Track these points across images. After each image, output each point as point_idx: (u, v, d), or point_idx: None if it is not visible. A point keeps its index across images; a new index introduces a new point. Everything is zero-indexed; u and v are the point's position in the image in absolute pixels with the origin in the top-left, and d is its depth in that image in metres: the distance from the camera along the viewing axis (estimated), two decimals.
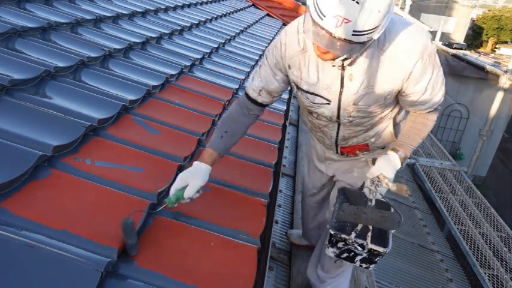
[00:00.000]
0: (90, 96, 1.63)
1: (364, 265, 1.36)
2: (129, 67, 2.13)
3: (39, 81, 1.57)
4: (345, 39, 1.07)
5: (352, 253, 1.34)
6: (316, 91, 1.35)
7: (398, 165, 1.36)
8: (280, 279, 2.10)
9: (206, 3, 5.00)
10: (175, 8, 3.95)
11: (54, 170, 1.18)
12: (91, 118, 1.45)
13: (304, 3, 8.01)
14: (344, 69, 1.27)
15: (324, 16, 1.06)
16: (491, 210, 4.31)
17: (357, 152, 1.56)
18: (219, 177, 1.53)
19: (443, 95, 1.38)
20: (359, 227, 1.32)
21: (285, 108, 2.56)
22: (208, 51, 3.03)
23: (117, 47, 2.25)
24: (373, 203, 1.36)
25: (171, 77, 2.23)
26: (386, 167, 1.35)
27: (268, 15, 6.55)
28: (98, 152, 1.36)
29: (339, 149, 1.60)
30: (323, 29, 1.08)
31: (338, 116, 1.41)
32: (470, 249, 3.63)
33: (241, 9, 5.95)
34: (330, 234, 1.33)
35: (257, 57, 3.57)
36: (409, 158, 5.30)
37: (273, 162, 1.80)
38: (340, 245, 1.34)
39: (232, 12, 5.32)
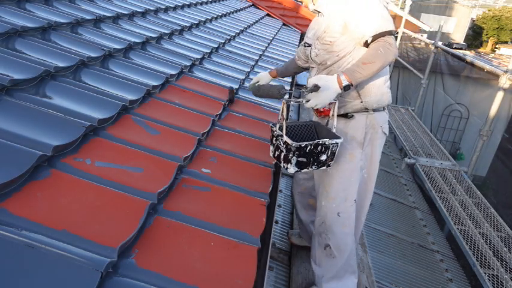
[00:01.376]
0: (90, 96, 1.63)
1: (284, 165, 1.53)
2: (129, 67, 2.13)
3: (39, 81, 1.57)
4: None
5: (279, 150, 1.56)
6: (307, 40, 1.85)
7: (335, 83, 1.55)
8: (280, 279, 2.10)
9: (206, 3, 5.00)
10: (175, 8, 3.95)
11: (54, 170, 1.18)
12: (91, 118, 1.45)
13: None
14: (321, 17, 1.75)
15: None
16: (491, 210, 4.31)
17: (328, 109, 1.78)
18: (219, 177, 1.53)
19: (385, 24, 1.57)
20: (284, 124, 1.55)
21: None
22: (208, 51, 3.03)
23: (117, 47, 2.25)
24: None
25: (171, 77, 2.23)
26: (322, 81, 1.56)
27: (268, 15, 6.55)
28: (98, 152, 1.36)
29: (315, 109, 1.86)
30: None
31: (311, 52, 1.80)
32: (470, 249, 3.62)
33: (241, 9, 5.95)
34: (270, 128, 1.64)
35: (257, 57, 3.57)
36: (409, 158, 5.30)
37: (273, 162, 1.80)
38: (273, 141, 1.61)
39: (232, 12, 5.32)
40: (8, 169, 1.06)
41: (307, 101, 1.57)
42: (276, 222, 2.52)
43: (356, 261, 1.94)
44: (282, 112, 1.55)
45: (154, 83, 2.03)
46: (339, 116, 1.73)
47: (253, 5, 6.77)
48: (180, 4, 4.14)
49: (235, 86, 2.55)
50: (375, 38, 1.57)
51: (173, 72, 2.30)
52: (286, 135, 1.53)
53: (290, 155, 1.49)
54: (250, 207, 1.42)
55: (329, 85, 1.54)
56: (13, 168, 1.07)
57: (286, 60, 3.94)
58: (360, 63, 1.57)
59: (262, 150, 1.89)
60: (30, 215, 1.00)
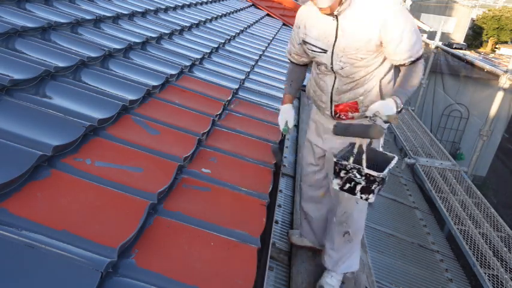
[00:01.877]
0: (90, 96, 1.63)
1: (363, 196, 1.51)
2: (129, 67, 2.13)
3: (39, 81, 1.57)
4: None
5: (353, 182, 1.52)
6: (316, 44, 1.72)
7: (393, 107, 1.55)
8: (280, 279, 2.10)
9: (206, 3, 5.00)
10: (175, 8, 3.95)
11: (54, 170, 1.18)
12: (91, 118, 1.45)
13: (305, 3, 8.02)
14: (338, 21, 1.62)
15: None
16: (491, 210, 4.30)
17: (348, 111, 1.79)
18: (219, 177, 1.53)
19: (421, 48, 1.63)
20: (355, 150, 1.52)
21: None
22: (208, 51, 3.03)
23: (117, 47, 2.25)
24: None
25: (171, 77, 2.23)
26: (382, 107, 1.55)
27: (268, 15, 6.55)
28: (98, 152, 1.36)
29: (333, 107, 1.81)
30: None
31: (332, 62, 1.71)
32: (470, 249, 3.62)
33: (241, 9, 5.95)
34: (335, 163, 1.54)
35: (257, 57, 3.57)
36: (409, 158, 5.30)
37: (273, 162, 1.80)
38: (342, 174, 1.53)
39: (232, 12, 5.32)
40: (8, 169, 1.06)
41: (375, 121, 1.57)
42: (276, 222, 2.52)
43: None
44: (360, 147, 1.52)
45: (154, 83, 2.03)
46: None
47: (253, 5, 6.77)
48: (180, 4, 4.14)
49: (235, 86, 2.55)
50: (414, 61, 1.64)
51: (173, 72, 2.30)
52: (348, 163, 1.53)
53: (374, 186, 1.49)
54: (250, 207, 1.42)
55: (390, 111, 1.57)
56: (13, 168, 1.07)
57: (286, 60, 3.94)
58: (407, 85, 1.65)
59: (262, 150, 1.89)
60: (30, 215, 1.00)
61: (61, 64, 1.75)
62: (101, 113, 1.53)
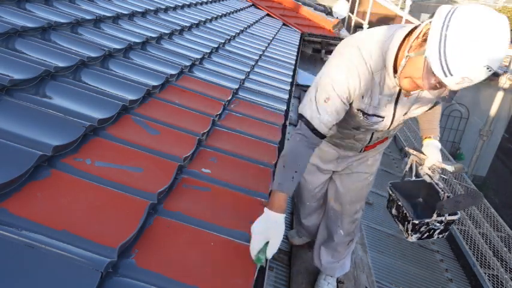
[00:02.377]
0: (90, 96, 1.63)
1: (440, 236, 1.62)
2: (129, 67, 2.13)
3: (39, 81, 1.57)
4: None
5: (432, 230, 1.59)
6: (377, 112, 1.42)
7: (440, 146, 1.61)
8: (280, 279, 2.10)
9: (206, 3, 5.00)
10: (175, 8, 3.95)
11: (54, 170, 1.18)
12: (91, 118, 1.45)
13: (305, 3, 8.01)
14: (397, 91, 1.39)
15: (451, 75, 1.10)
16: (491, 210, 4.30)
17: (377, 144, 1.77)
18: (219, 177, 1.53)
19: None
20: (435, 216, 1.54)
21: (285, 108, 2.56)
22: (208, 51, 3.03)
23: (117, 47, 2.25)
24: (440, 186, 1.65)
25: (171, 77, 2.23)
26: (438, 153, 1.57)
27: (268, 15, 6.54)
28: (98, 152, 1.36)
29: (363, 148, 1.77)
30: (442, 83, 1.14)
31: (389, 127, 1.53)
32: (470, 249, 3.62)
33: (241, 9, 5.95)
34: (414, 223, 1.55)
35: (257, 57, 3.57)
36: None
37: (273, 162, 1.80)
38: (422, 229, 1.58)
39: (232, 12, 5.31)
40: (8, 169, 1.06)
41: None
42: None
43: None
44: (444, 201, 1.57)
45: (154, 83, 2.03)
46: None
47: (253, 5, 6.77)
48: (180, 4, 4.14)
49: (235, 86, 2.55)
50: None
51: (173, 72, 2.30)
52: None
53: (451, 226, 1.62)
54: (250, 207, 1.42)
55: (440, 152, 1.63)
56: (13, 168, 1.07)
57: (286, 60, 3.94)
58: (437, 122, 1.69)
59: (262, 150, 1.89)
60: (30, 215, 1.00)
61: (61, 64, 1.75)
62: (101, 113, 1.53)
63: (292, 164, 1.32)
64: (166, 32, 2.98)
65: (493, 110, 4.91)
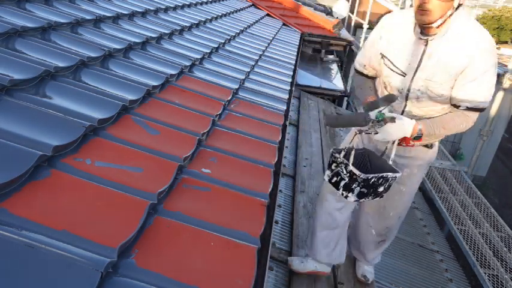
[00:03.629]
0: (90, 96, 1.63)
1: (344, 193, 1.55)
2: (129, 67, 2.13)
3: (39, 81, 1.57)
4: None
5: (339, 177, 1.55)
6: (396, 63, 1.58)
7: (409, 128, 1.51)
8: (280, 279, 2.10)
9: (206, 3, 5.00)
10: (175, 8, 3.95)
11: (54, 170, 1.18)
12: (91, 118, 1.45)
13: (305, 3, 8.01)
14: (427, 46, 1.49)
15: None
16: (491, 210, 4.30)
17: (410, 141, 1.69)
18: (219, 177, 1.53)
19: (486, 100, 1.51)
20: (350, 144, 1.57)
21: (285, 108, 2.56)
22: (208, 51, 3.03)
23: (117, 47, 2.25)
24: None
25: (171, 77, 2.23)
26: (398, 119, 1.51)
27: (268, 15, 6.54)
28: (98, 152, 1.36)
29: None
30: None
31: (408, 89, 1.60)
32: (470, 249, 3.62)
33: (241, 9, 5.95)
34: (330, 153, 1.60)
35: (257, 57, 3.57)
36: None
37: (273, 162, 1.80)
38: (333, 166, 1.58)
39: (232, 12, 5.32)
40: (8, 169, 1.06)
41: (376, 133, 1.53)
42: (276, 222, 2.52)
43: None
44: (352, 141, 1.55)
45: (155, 83, 2.03)
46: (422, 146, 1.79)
47: (253, 5, 6.77)
48: (180, 4, 4.14)
49: (235, 86, 2.55)
50: (468, 109, 1.54)
51: (173, 72, 2.30)
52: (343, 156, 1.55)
53: (354, 185, 1.50)
54: (250, 207, 1.42)
55: (404, 128, 1.50)
56: (13, 168, 1.07)
57: (286, 60, 3.94)
58: (441, 125, 1.56)
59: (262, 150, 1.89)
60: (30, 215, 1.00)
61: (61, 64, 1.75)
62: (101, 113, 1.53)
63: (361, 86, 1.79)
64: (166, 32, 2.98)
65: (493, 110, 4.91)
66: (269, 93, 2.74)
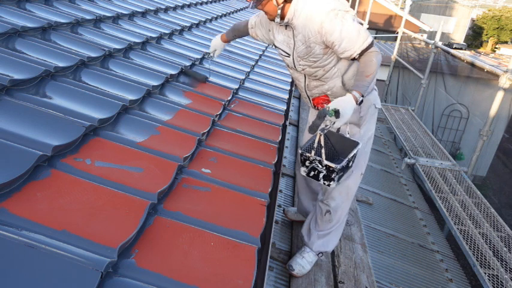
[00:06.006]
0: (90, 96, 1.63)
1: (326, 182, 1.65)
2: (129, 67, 2.13)
3: (39, 81, 1.57)
4: None
5: (316, 171, 1.65)
6: (282, 47, 1.90)
7: (351, 101, 1.64)
8: (280, 279, 2.10)
9: (206, 3, 5.00)
10: (175, 8, 3.95)
11: (54, 170, 1.18)
12: (91, 118, 1.45)
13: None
14: (292, 30, 1.79)
15: None
16: (491, 210, 4.30)
17: (322, 103, 1.96)
18: (219, 177, 1.53)
19: (365, 39, 1.72)
20: (315, 144, 1.63)
21: (285, 108, 2.56)
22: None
23: (117, 47, 2.25)
24: (335, 130, 1.78)
25: (171, 77, 2.23)
26: (341, 103, 1.63)
27: None
28: (98, 152, 1.36)
29: (311, 100, 2.02)
30: None
31: (294, 65, 1.90)
32: (470, 249, 3.62)
33: (241, 9, 5.95)
34: (300, 154, 1.67)
35: (257, 57, 3.57)
36: (409, 158, 5.30)
37: (273, 162, 1.80)
38: (307, 163, 1.67)
39: (232, 12, 5.32)
40: (8, 169, 1.06)
41: (333, 123, 1.65)
42: (276, 222, 2.52)
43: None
44: (319, 141, 1.63)
45: (155, 83, 2.03)
46: None
47: None
48: (180, 4, 4.14)
49: (235, 86, 2.55)
50: (362, 53, 1.74)
51: (173, 72, 2.30)
52: (314, 153, 1.66)
53: (333, 175, 1.63)
54: (250, 207, 1.42)
55: (348, 106, 1.64)
56: (13, 168, 1.07)
57: None
58: (363, 76, 1.73)
59: (262, 150, 1.89)
60: (30, 215, 1.00)
61: (61, 64, 1.75)
62: (101, 113, 1.53)
63: (234, 30, 2.32)
64: (166, 32, 2.98)
65: (493, 110, 4.91)
66: (269, 93, 2.74)
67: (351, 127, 1.96)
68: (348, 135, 1.83)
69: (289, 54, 1.89)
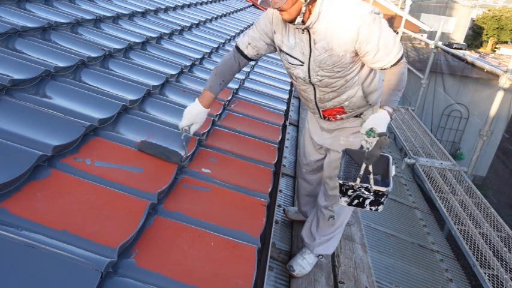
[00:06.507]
0: (90, 96, 1.63)
1: (373, 208, 1.55)
2: (129, 67, 2.13)
3: (39, 81, 1.57)
4: None
5: (361, 198, 1.54)
6: (293, 54, 1.66)
7: (387, 118, 1.52)
8: (280, 279, 2.10)
9: (206, 3, 5.00)
10: (175, 8, 3.95)
11: (54, 170, 1.18)
12: (91, 118, 1.45)
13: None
14: (309, 34, 1.55)
15: None
16: (491, 210, 4.30)
17: (336, 114, 1.82)
18: (219, 177, 1.53)
19: (400, 49, 1.58)
20: (361, 171, 1.50)
21: (285, 108, 2.56)
22: (208, 51, 3.03)
23: (117, 47, 2.25)
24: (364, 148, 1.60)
25: (171, 77, 2.23)
26: (376, 121, 1.50)
27: None
28: (98, 152, 1.36)
29: (321, 112, 1.86)
30: None
31: (309, 76, 1.67)
32: (470, 249, 3.62)
33: (241, 9, 5.95)
34: (340, 184, 1.54)
35: None
36: (409, 158, 5.30)
37: (273, 162, 1.80)
38: (349, 193, 1.54)
39: (232, 12, 5.32)
40: (8, 169, 1.06)
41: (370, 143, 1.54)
42: (276, 222, 2.52)
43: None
44: (367, 168, 1.52)
45: (155, 83, 2.03)
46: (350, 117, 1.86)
47: (253, 5, 6.77)
48: (180, 4, 4.14)
49: (235, 86, 2.55)
50: (396, 64, 1.59)
51: (173, 72, 2.30)
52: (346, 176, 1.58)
53: (383, 199, 1.54)
54: (250, 207, 1.42)
55: (384, 123, 1.52)
56: (13, 168, 1.07)
57: None
58: (396, 91, 1.59)
59: (262, 150, 1.89)
60: (30, 215, 1.00)
61: (61, 64, 1.75)
62: (101, 113, 1.53)
63: (221, 75, 1.73)
64: (166, 32, 2.98)
65: (493, 110, 4.91)
66: (269, 93, 2.74)
67: (347, 136, 1.91)
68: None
69: (303, 63, 1.64)
